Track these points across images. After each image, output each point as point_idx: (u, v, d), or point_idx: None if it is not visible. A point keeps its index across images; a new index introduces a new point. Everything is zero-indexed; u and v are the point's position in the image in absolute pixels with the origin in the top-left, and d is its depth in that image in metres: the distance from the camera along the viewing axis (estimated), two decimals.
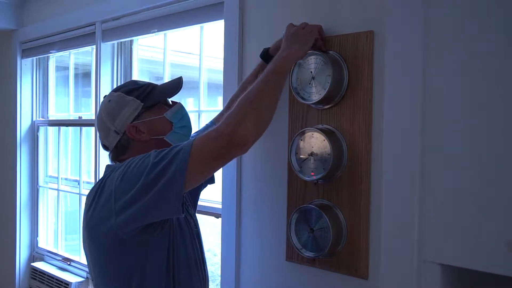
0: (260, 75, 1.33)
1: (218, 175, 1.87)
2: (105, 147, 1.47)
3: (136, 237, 1.27)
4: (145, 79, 2.62)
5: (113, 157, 1.46)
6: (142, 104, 1.40)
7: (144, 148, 1.37)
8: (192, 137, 1.48)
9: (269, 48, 1.57)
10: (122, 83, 2.56)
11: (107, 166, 1.42)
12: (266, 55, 1.56)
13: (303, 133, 1.50)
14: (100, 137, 1.46)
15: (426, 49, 1.04)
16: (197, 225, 1.53)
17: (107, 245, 1.31)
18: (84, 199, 2.83)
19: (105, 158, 2.55)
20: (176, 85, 1.46)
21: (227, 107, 1.71)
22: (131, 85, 1.46)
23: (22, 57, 3.18)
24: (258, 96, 1.26)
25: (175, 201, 1.20)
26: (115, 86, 2.56)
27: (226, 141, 1.19)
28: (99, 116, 1.45)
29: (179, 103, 1.48)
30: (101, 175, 2.53)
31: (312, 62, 1.45)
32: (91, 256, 1.40)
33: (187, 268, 1.39)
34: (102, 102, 1.47)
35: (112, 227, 1.26)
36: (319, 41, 1.46)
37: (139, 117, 1.40)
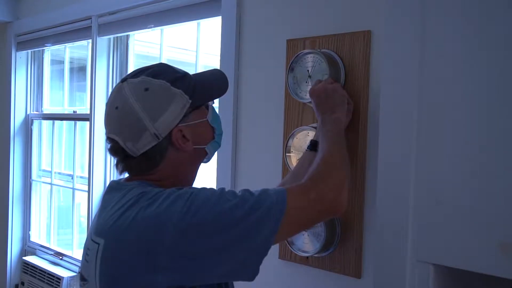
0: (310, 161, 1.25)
1: (213, 177, 1.87)
2: (119, 153, 1.08)
3: None
4: None
5: (135, 171, 1.10)
6: (190, 101, 1.08)
7: (180, 161, 1.10)
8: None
9: (316, 140, 1.35)
10: (118, 78, 2.56)
11: (124, 185, 1.09)
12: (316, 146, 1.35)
13: (299, 131, 1.50)
14: (119, 137, 1.06)
15: (423, 49, 1.04)
16: None
17: None
18: (77, 193, 2.83)
19: (100, 152, 2.54)
20: (225, 83, 1.19)
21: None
22: (171, 71, 1.10)
23: (17, 50, 3.15)
24: (343, 159, 1.16)
25: (256, 266, 1.00)
26: (110, 81, 2.56)
27: (329, 206, 1.06)
28: (124, 107, 1.05)
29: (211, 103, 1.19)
30: (96, 173, 2.55)
31: (310, 60, 1.45)
32: None
33: None
34: (126, 88, 1.06)
35: (154, 283, 0.96)
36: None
37: (184, 119, 1.08)
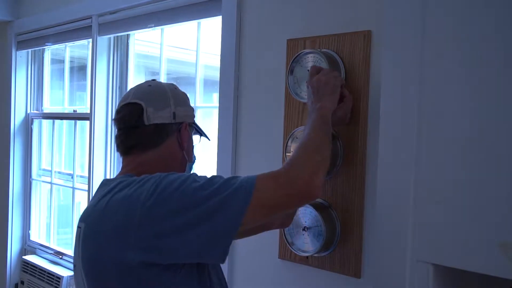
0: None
1: (212, 172, 1.87)
2: (132, 118, 1.18)
3: (155, 277, 1.04)
4: (142, 74, 2.61)
5: (135, 144, 1.19)
6: (194, 118, 1.30)
7: (175, 151, 1.23)
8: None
9: None
10: (118, 77, 2.56)
11: (111, 181, 1.17)
12: None
13: (299, 131, 1.50)
14: (144, 101, 1.18)
15: (424, 49, 1.04)
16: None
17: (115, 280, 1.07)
18: (77, 192, 2.83)
19: (100, 152, 2.54)
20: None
21: None
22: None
23: (17, 49, 3.15)
24: (320, 144, 1.15)
25: (223, 247, 1.01)
26: (110, 81, 2.56)
27: (299, 190, 1.04)
28: (158, 86, 1.23)
29: None
30: (96, 172, 2.55)
31: (310, 60, 1.45)
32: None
33: None
34: (157, 82, 1.28)
35: (127, 260, 1.02)
36: (343, 87, 1.38)
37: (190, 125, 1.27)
